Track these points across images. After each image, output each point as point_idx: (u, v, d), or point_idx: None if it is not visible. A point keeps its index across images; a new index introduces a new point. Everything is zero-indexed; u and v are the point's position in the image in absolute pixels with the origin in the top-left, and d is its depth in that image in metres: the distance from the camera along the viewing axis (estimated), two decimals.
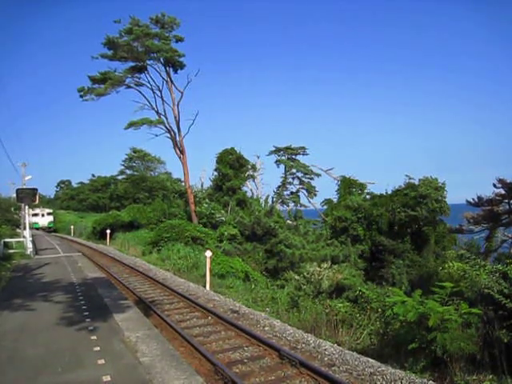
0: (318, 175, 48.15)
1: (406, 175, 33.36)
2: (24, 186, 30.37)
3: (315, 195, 48.68)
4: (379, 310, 11.80)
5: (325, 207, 45.17)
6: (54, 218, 69.23)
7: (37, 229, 62.93)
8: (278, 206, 46.71)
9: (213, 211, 35.30)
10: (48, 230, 65.53)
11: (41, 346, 7.41)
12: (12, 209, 46.10)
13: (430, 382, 7.23)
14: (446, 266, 10.96)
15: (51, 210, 70.69)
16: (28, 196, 24.48)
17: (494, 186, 20.80)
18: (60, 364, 6.44)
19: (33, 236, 28.95)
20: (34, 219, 62.15)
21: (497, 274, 9.34)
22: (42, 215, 67.08)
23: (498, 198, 20.60)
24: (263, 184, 49.32)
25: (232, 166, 39.31)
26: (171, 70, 36.29)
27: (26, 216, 27.62)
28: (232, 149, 40.00)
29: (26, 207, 27.36)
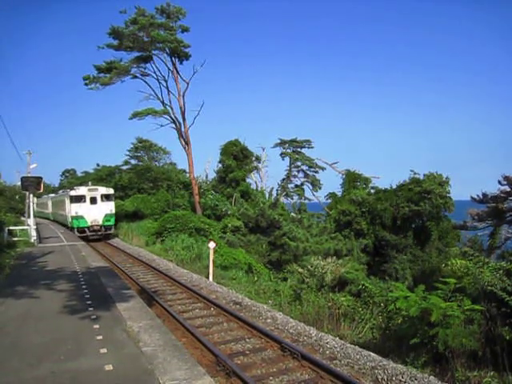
0: (323, 169, 48.20)
1: (411, 170, 33.29)
2: (29, 175, 30.52)
3: (320, 188, 48.78)
4: (382, 304, 11.85)
5: (329, 201, 45.13)
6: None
7: (81, 230, 31.19)
8: (283, 199, 46.75)
9: (217, 203, 35.33)
10: (105, 230, 32.04)
11: (44, 333, 7.44)
12: (17, 196, 46.26)
13: (431, 377, 7.24)
14: (449, 262, 10.94)
15: (111, 191, 34.39)
16: (33, 184, 24.62)
17: (499, 182, 20.71)
18: (62, 352, 6.47)
19: (37, 224, 29.04)
20: (75, 208, 31.41)
21: (500, 272, 9.32)
22: (93, 200, 31.83)
23: (502, 194, 20.51)
24: (268, 176, 49.42)
25: (236, 157, 39.32)
26: (177, 60, 36.19)
27: (31, 204, 27.78)
28: (236, 140, 40.01)
29: (31, 195, 27.53)
